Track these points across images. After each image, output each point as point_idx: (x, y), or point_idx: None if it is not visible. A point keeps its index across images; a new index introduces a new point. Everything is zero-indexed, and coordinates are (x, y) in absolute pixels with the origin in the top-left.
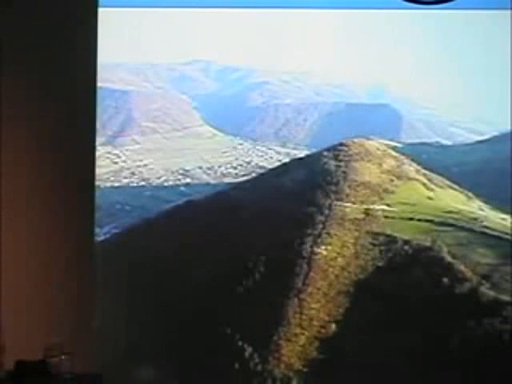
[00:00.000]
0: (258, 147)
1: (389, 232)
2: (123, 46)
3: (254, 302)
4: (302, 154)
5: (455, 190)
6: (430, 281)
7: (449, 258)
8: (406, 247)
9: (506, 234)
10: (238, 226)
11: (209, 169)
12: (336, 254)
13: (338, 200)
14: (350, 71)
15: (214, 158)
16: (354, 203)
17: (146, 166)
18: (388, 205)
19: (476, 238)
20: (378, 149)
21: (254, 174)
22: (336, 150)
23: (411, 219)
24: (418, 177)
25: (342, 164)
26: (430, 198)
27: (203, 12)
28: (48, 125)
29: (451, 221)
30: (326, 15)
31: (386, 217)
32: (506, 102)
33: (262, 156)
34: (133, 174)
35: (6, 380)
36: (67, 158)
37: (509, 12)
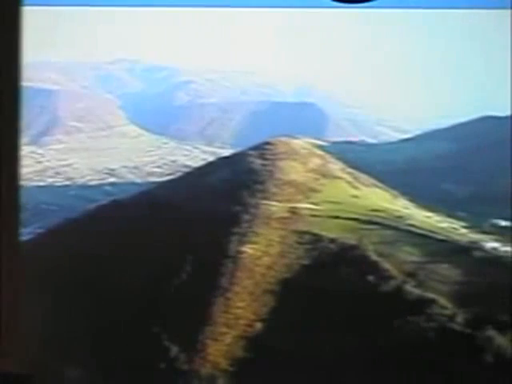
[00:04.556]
0: (184, 146)
1: (314, 231)
2: (50, 46)
3: (181, 302)
4: (227, 152)
5: (381, 188)
6: (355, 279)
7: (374, 257)
8: (332, 246)
9: (431, 232)
10: (163, 225)
11: (134, 168)
12: (262, 252)
13: (263, 199)
14: (275, 70)
15: (139, 157)
16: (279, 202)
17: (70, 165)
18: (314, 203)
19: (401, 236)
20: (304, 148)
21: (179, 173)
22: (262, 148)
23: (337, 218)
24: (343, 175)
25: (267, 163)
26: (355, 197)
27: (129, 11)
28: None
29: (377, 219)
30: (252, 15)
31: (312, 215)
32: (429, 100)
33: (187, 155)
34: (57, 173)
35: None
36: None
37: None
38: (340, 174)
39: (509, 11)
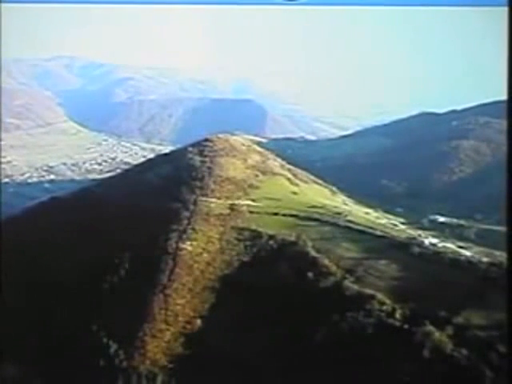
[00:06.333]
0: (123, 143)
1: (254, 227)
2: None
3: (120, 299)
4: (166, 149)
5: (320, 184)
6: (295, 275)
7: (313, 253)
8: (271, 242)
9: (370, 228)
10: (102, 222)
11: (73, 165)
12: (201, 249)
13: (203, 195)
14: (214, 67)
15: (79, 154)
16: (219, 198)
17: (9, 162)
18: (253, 200)
19: (340, 232)
20: (243, 144)
21: (118, 170)
22: (201, 145)
23: (276, 214)
24: (282, 172)
25: (206, 159)
26: (294, 193)
27: (66, 8)
28: None
29: (316, 215)
30: (191, 11)
31: (251, 212)
32: (368, 96)
33: (126, 152)
34: None
35: None
36: None
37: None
38: (279, 170)
39: (437, 9)
